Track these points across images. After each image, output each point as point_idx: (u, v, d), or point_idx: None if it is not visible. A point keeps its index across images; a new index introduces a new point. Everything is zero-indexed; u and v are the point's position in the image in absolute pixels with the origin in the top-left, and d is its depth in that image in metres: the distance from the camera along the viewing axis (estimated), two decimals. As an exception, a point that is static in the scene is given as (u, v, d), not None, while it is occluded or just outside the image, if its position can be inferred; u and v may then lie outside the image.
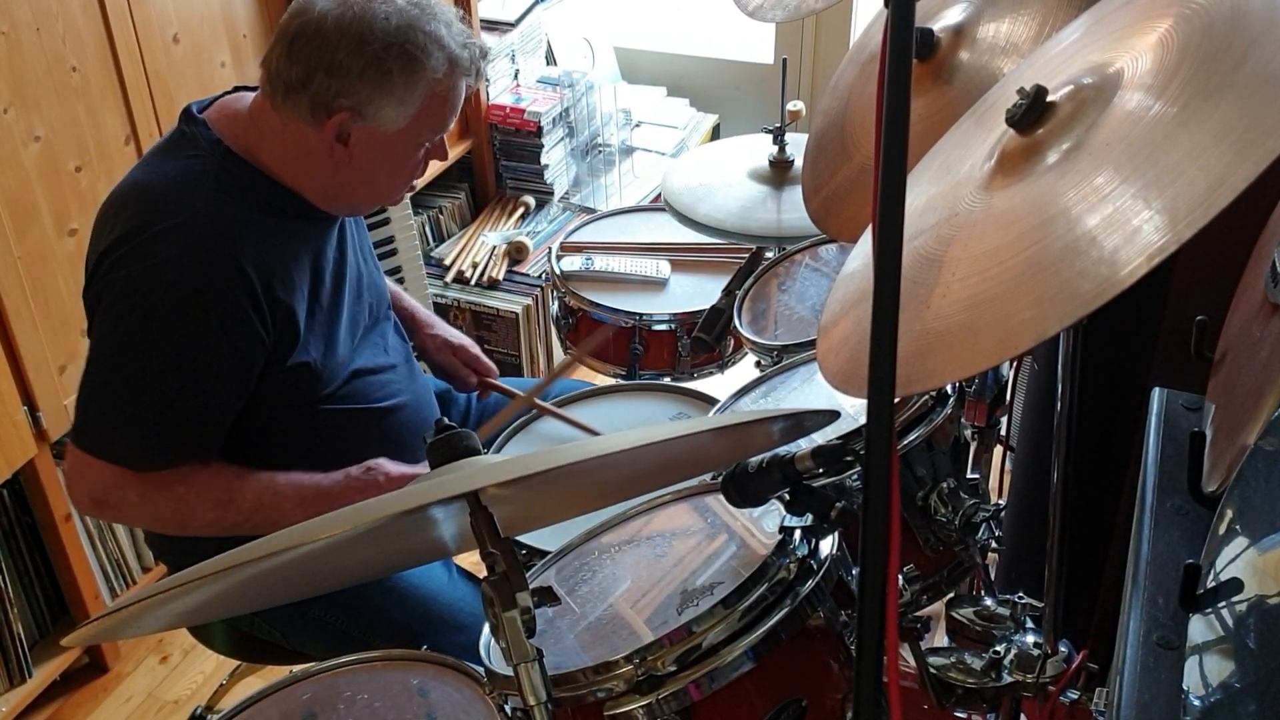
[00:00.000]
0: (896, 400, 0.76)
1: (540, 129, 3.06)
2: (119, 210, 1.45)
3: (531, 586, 0.90)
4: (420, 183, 1.67)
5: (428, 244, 3.11)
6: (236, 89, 1.57)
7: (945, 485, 1.32)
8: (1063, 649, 1.22)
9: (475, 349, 1.91)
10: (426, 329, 1.90)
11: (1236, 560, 0.79)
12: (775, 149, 2.14)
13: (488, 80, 3.06)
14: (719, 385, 1.87)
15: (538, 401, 1.78)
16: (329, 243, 1.57)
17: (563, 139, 3.17)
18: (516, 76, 3.18)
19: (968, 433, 1.59)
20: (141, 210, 1.42)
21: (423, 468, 1.59)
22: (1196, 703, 0.76)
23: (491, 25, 3.12)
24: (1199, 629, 0.80)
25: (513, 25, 3.11)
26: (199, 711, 1.31)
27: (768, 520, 1.17)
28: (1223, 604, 0.78)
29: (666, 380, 2.05)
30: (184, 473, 1.46)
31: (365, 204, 1.62)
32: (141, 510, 1.48)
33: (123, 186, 1.49)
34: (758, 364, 1.80)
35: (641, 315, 2.06)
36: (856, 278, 1.04)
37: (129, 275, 1.40)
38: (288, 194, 1.49)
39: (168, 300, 1.40)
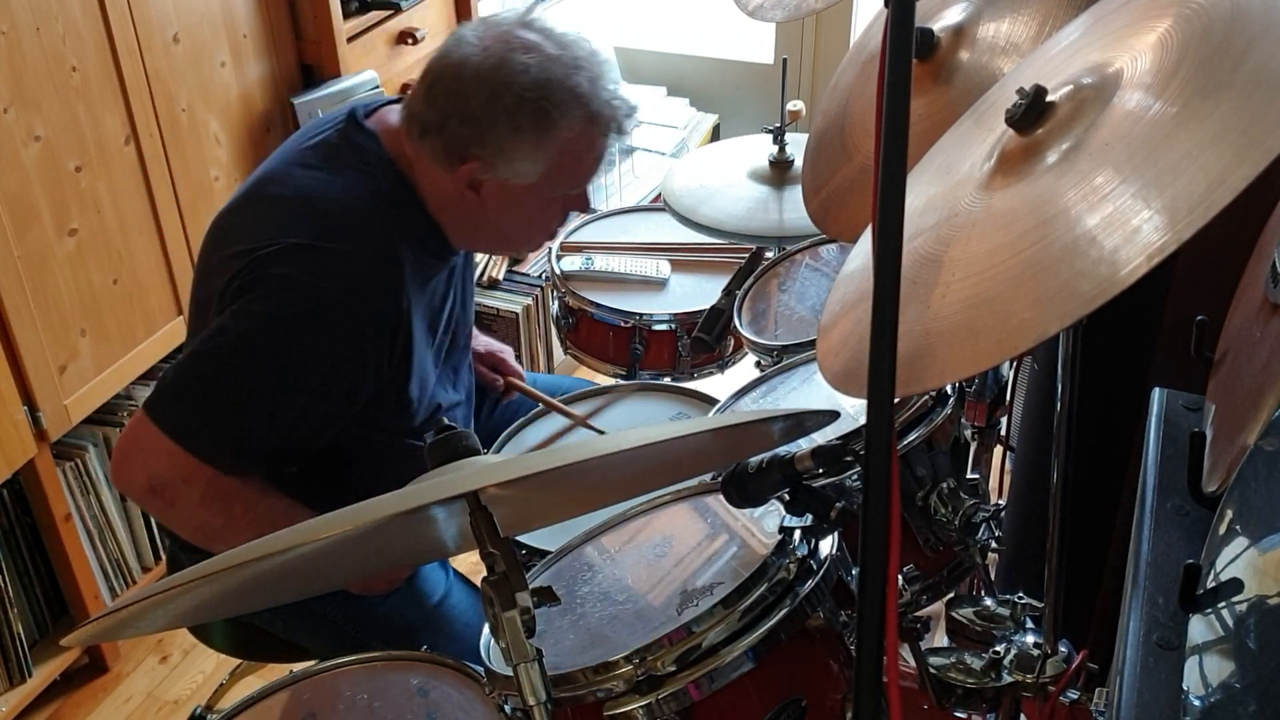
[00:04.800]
0: (896, 400, 0.76)
1: (540, 129, 3.05)
2: (287, 217, 1.39)
3: (531, 586, 0.90)
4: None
5: (428, 244, 3.11)
6: (399, 98, 1.51)
7: (945, 485, 1.32)
8: (1063, 649, 1.22)
9: (501, 353, 1.91)
10: None
11: (1236, 560, 0.79)
12: (775, 149, 2.14)
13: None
14: (719, 385, 1.87)
15: (556, 404, 1.79)
16: (442, 278, 1.55)
17: (563, 139, 3.16)
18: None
19: (968, 433, 1.59)
20: (317, 227, 1.37)
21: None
22: (1196, 703, 0.76)
23: (492, 25, 3.11)
24: (1199, 629, 0.80)
25: (513, 25, 3.10)
26: (199, 711, 1.31)
27: (768, 520, 1.17)
28: (1223, 604, 0.78)
29: (666, 380, 2.05)
30: (248, 493, 1.41)
31: (499, 249, 1.60)
32: (192, 513, 1.42)
33: (294, 186, 1.43)
34: (758, 364, 1.80)
35: (641, 315, 2.06)
36: (856, 278, 1.04)
37: (289, 277, 1.35)
38: (435, 230, 1.47)
39: (318, 320, 1.35)
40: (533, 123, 1.37)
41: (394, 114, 1.47)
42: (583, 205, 1.54)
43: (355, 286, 1.37)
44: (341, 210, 1.40)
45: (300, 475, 1.47)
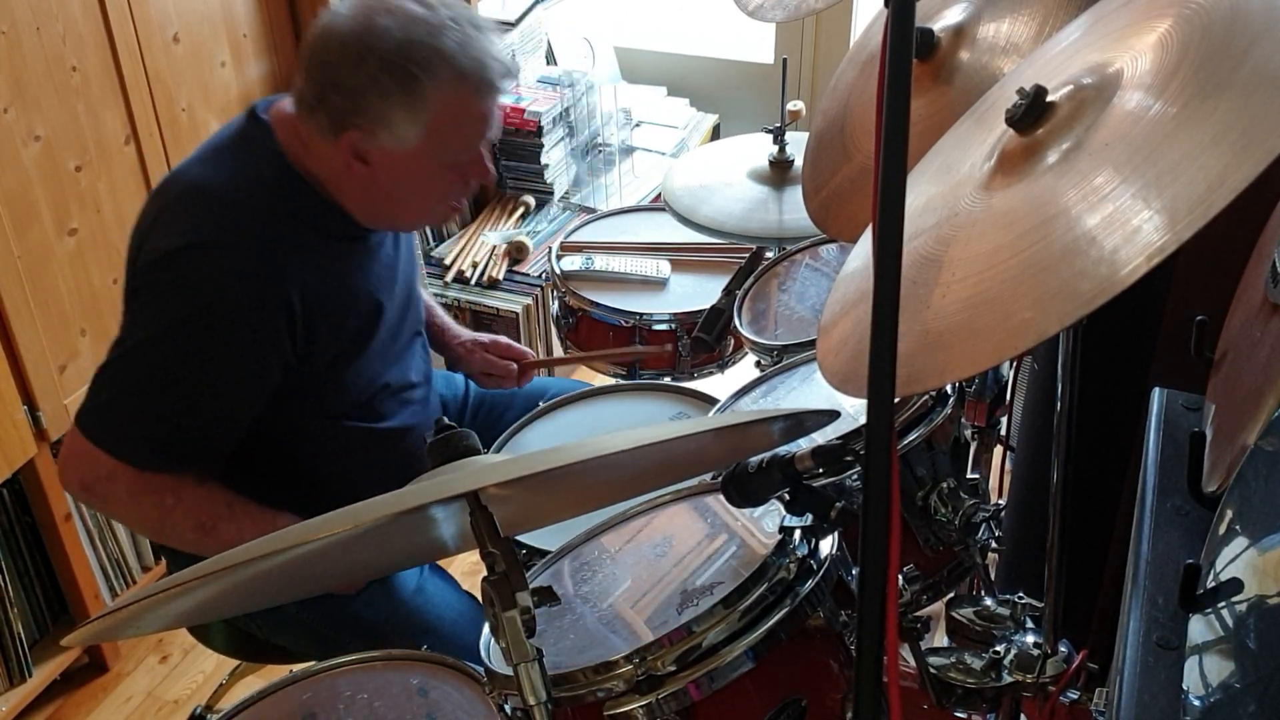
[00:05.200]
0: (896, 400, 0.76)
1: (540, 129, 3.06)
2: (177, 211, 1.42)
3: (531, 586, 0.90)
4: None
5: (428, 243, 3.11)
6: None
7: (945, 485, 1.32)
8: (1063, 649, 1.22)
9: (505, 339, 1.92)
10: (455, 339, 1.91)
11: (1236, 560, 0.79)
12: (775, 149, 2.14)
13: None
14: (719, 385, 1.87)
15: (583, 356, 1.80)
16: (376, 260, 1.55)
17: (563, 139, 3.17)
18: (516, 76, 3.18)
19: (968, 433, 1.59)
20: (199, 220, 1.40)
21: None
22: (1196, 703, 0.76)
23: (492, 25, 3.12)
24: (1199, 629, 0.80)
25: (513, 25, 3.10)
26: (199, 711, 1.31)
27: (768, 520, 1.17)
28: (1223, 604, 0.78)
29: (666, 380, 2.05)
30: (177, 483, 1.45)
31: (405, 224, 1.59)
32: (126, 508, 1.47)
33: (184, 182, 1.45)
34: (758, 364, 1.79)
35: (641, 315, 2.06)
36: (856, 278, 1.04)
37: (174, 281, 1.39)
38: (337, 213, 1.47)
39: (205, 318, 1.38)
40: (399, 86, 1.36)
41: (290, 102, 1.48)
42: (480, 172, 1.50)
43: (231, 284, 1.38)
44: (217, 203, 1.41)
45: (242, 457, 1.49)
